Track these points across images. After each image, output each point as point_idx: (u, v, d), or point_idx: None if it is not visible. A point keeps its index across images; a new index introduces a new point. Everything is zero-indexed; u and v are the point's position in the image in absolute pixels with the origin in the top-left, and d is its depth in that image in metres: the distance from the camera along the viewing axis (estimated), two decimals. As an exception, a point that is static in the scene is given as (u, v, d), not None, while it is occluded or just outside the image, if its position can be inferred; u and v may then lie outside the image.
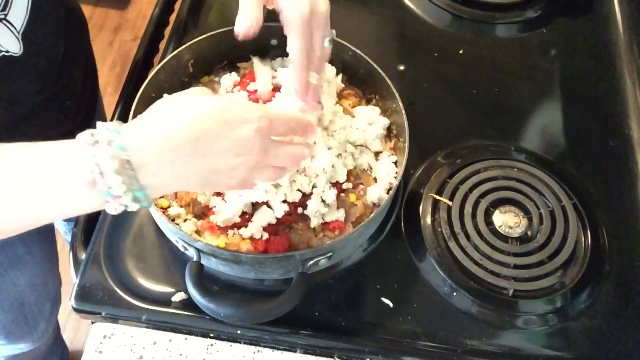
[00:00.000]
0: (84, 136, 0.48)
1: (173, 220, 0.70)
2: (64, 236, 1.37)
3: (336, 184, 0.72)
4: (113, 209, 0.49)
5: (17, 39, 0.69)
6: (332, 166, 0.71)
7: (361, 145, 0.76)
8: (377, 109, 0.79)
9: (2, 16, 0.67)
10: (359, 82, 0.81)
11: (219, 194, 0.70)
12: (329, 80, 0.78)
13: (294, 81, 0.66)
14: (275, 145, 0.55)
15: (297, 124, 0.57)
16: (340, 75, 0.81)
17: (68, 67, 0.83)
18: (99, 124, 0.49)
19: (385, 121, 0.77)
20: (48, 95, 0.77)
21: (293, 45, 0.64)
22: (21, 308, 1.00)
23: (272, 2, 0.66)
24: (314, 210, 0.68)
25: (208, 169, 0.51)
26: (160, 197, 0.72)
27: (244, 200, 0.68)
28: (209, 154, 0.50)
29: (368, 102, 0.81)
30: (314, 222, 0.69)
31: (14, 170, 0.49)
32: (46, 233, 1.00)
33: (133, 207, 0.49)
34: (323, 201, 0.69)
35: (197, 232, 0.70)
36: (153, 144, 0.48)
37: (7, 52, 0.68)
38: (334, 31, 0.68)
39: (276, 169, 0.57)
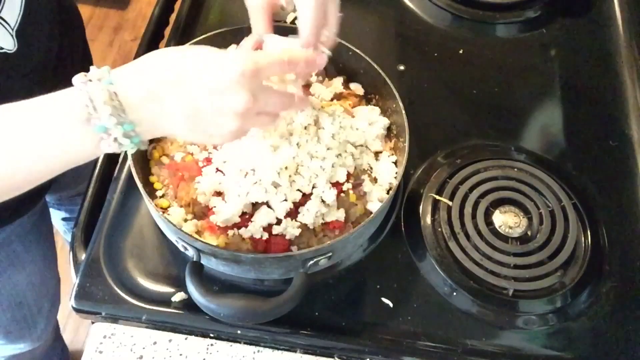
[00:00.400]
0: (78, 77, 0.51)
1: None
2: (63, 236, 1.37)
3: (336, 184, 0.72)
4: (107, 146, 0.51)
5: (12, 35, 0.69)
6: (332, 166, 0.71)
7: (361, 145, 0.76)
8: (377, 109, 0.79)
9: None
10: (359, 82, 0.81)
11: (219, 194, 0.70)
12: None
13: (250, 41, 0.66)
14: (265, 91, 0.55)
15: (292, 58, 0.56)
16: (340, 79, 0.82)
17: (64, 64, 0.83)
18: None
19: (385, 121, 0.77)
20: (43, 92, 0.78)
21: (305, 21, 0.63)
22: (20, 307, 1.00)
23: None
24: (314, 211, 0.68)
25: (193, 107, 0.52)
26: (161, 197, 0.72)
27: (243, 201, 0.68)
28: (193, 90, 0.51)
29: (368, 102, 0.81)
30: (313, 222, 0.69)
31: (14, 119, 0.52)
32: (45, 232, 1.00)
33: (126, 144, 0.51)
34: (323, 201, 0.69)
35: (197, 232, 0.70)
36: (138, 78, 0.52)
37: (1, 49, 0.68)
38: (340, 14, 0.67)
39: (269, 115, 0.57)
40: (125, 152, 0.60)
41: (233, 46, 0.78)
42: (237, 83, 0.51)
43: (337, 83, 0.81)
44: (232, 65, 0.52)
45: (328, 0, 0.64)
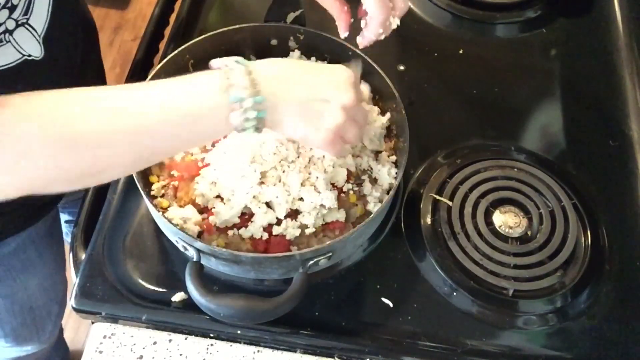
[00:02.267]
0: (216, 60, 0.60)
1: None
2: (65, 238, 1.37)
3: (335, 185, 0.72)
4: (236, 118, 0.55)
5: (39, 42, 0.70)
6: (332, 166, 0.71)
7: (361, 146, 0.76)
8: (376, 108, 0.79)
9: (24, 20, 0.67)
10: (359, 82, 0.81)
11: (217, 196, 0.70)
12: None
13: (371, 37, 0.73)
14: (360, 110, 0.64)
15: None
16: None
17: (85, 70, 0.83)
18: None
19: (385, 120, 0.77)
20: None
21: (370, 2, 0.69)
22: (30, 311, 1.00)
23: None
24: (310, 205, 0.68)
25: (311, 93, 0.59)
26: (161, 197, 0.72)
27: (241, 204, 0.68)
28: (312, 84, 0.59)
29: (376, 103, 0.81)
30: (312, 222, 0.69)
31: (155, 86, 0.57)
32: (56, 236, 1.00)
33: (253, 117, 0.55)
34: (322, 205, 0.69)
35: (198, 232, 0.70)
36: (270, 64, 0.59)
37: (30, 56, 0.69)
38: None
39: (358, 129, 0.63)
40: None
41: None
42: (347, 83, 0.60)
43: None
44: (341, 70, 0.62)
45: None
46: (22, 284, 0.94)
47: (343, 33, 0.75)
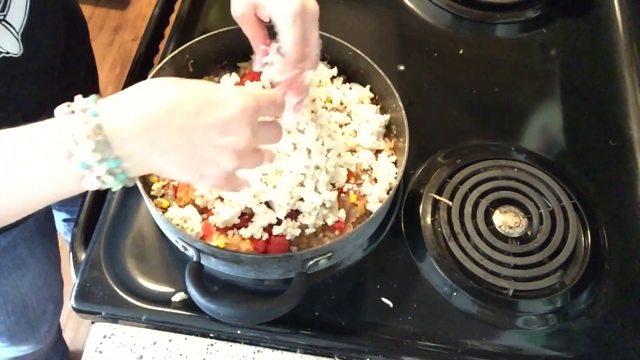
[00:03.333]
0: (60, 108, 0.48)
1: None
2: (64, 237, 1.37)
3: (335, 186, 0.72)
4: (89, 184, 0.48)
5: (17, 39, 0.69)
6: (333, 167, 0.71)
7: (360, 146, 0.76)
8: (374, 107, 0.79)
9: (1, 17, 0.67)
10: (359, 82, 0.81)
11: (220, 198, 0.70)
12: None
13: (282, 75, 0.65)
14: (262, 126, 0.53)
15: (277, 107, 0.55)
16: (340, 79, 0.82)
17: (68, 68, 0.83)
18: (76, 97, 0.48)
19: (383, 118, 0.77)
20: (49, 96, 0.77)
21: (287, 37, 0.62)
22: (24, 310, 1.00)
23: (262, 13, 0.65)
24: (310, 206, 0.68)
25: (188, 144, 0.49)
26: (161, 197, 0.72)
27: (243, 204, 0.68)
28: (189, 129, 0.48)
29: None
30: (312, 222, 0.69)
31: None
32: (49, 235, 1.00)
33: (109, 182, 0.48)
34: (323, 204, 0.69)
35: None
36: (127, 109, 0.47)
37: (7, 53, 0.68)
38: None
39: (259, 154, 0.55)
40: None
41: (226, 76, 0.78)
42: (238, 120, 0.49)
43: (337, 83, 0.82)
44: (233, 101, 0.49)
45: (307, 22, 0.62)
46: (14, 282, 0.93)
47: (258, 68, 0.69)
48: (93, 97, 0.48)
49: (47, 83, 0.77)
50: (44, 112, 0.60)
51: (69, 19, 0.84)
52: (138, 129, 0.47)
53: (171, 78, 0.51)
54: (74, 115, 0.47)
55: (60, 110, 0.48)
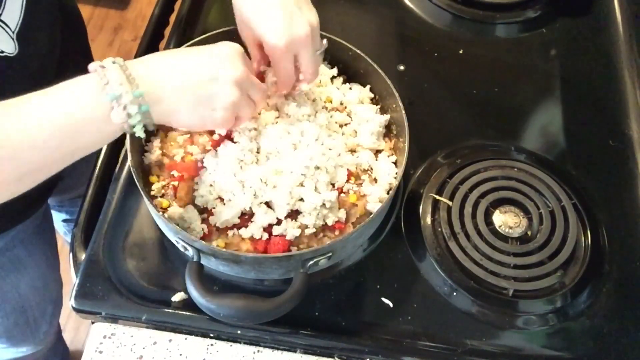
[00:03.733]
0: (93, 64, 0.56)
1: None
2: (64, 237, 1.37)
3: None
4: (117, 115, 0.54)
5: (12, 39, 0.69)
6: (334, 167, 0.71)
7: (358, 147, 0.76)
8: (374, 107, 0.79)
9: None
10: (359, 82, 0.81)
11: (220, 198, 0.70)
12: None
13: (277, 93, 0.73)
14: (254, 86, 0.63)
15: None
16: (340, 79, 0.82)
17: (65, 68, 0.82)
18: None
19: (383, 118, 0.77)
20: None
21: (276, 72, 0.69)
22: (23, 311, 1.00)
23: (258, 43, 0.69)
24: (310, 206, 0.68)
25: (195, 77, 0.58)
26: (161, 197, 0.72)
27: (240, 205, 0.68)
28: (195, 62, 0.59)
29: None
30: (312, 222, 0.69)
31: (34, 97, 0.55)
32: (47, 235, 1.00)
33: (134, 112, 0.55)
34: (323, 204, 0.69)
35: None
36: (146, 59, 0.59)
37: (2, 52, 0.68)
38: (325, 42, 0.71)
39: (253, 106, 0.64)
40: (126, 150, 0.64)
41: None
42: (232, 57, 0.60)
43: (337, 83, 0.82)
44: (227, 46, 0.60)
45: (299, 49, 0.66)
46: (12, 283, 0.93)
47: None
48: (118, 57, 0.57)
49: (43, 83, 0.76)
50: None
51: (66, 18, 0.84)
52: (155, 69, 0.58)
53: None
54: (105, 62, 0.56)
55: (93, 64, 0.56)
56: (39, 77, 0.76)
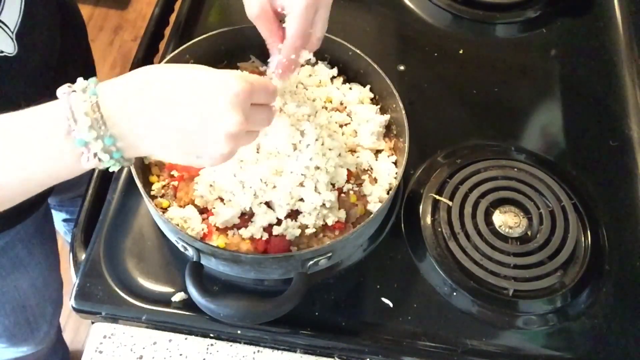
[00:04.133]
0: (62, 88, 0.50)
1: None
2: (64, 237, 1.37)
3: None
4: (86, 161, 0.49)
5: (12, 39, 0.69)
6: (334, 167, 0.71)
7: (358, 146, 0.76)
8: (374, 107, 0.79)
9: None
10: (359, 82, 0.81)
11: (220, 198, 0.70)
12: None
13: (280, 57, 0.65)
14: (255, 110, 0.53)
15: (269, 93, 0.56)
16: (340, 79, 0.82)
17: (65, 67, 0.82)
18: (78, 79, 0.50)
19: (383, 119, 0.77)
20: (45, 96, 0.78)
21: (291, 26, 0.63)
22: (23, 311, 0.99)
23: (276, 3, 0.65)
24: (310, 206, 0.68)
25: (182, 128, 0.50)
26: (161, 197, 0.72)
27: (240, 205, 0.68)
28: (183, 110, 0.49)
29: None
30: (312, 222, 0.69)
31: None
32: (48, 235, 1.00)
33: (106, 160, 0.49)
34: (323, 204, 0.69)
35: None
36: (124, 91, 0.50)
37: (2, 52, 0.68)
38: None
39: (253, 134, 0.57)
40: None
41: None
42: (231, 104, 0.50)
43: (337, 83, 0.82)
44: (226, 85, 0.50)
45: (320, 5, 0.62)
46: (12, 283, 0.93)
47: (273, 69, 0.68)
48: (94, 78, 0.50)
49: (42, 82, 0.76)
50: None
51: (66, 18, 0.84)
52: (133, 109, 0.49)
53: (172, 64, 0.53)
54: (74, 94, 0.49)
55: (62, 90, 0.50)
56: (39, 76, 0.76)
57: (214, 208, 0.70)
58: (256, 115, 0.54)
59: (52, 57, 0.79)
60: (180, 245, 0.69)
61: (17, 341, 1.05)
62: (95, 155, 0.49)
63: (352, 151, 0.76)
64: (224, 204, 0.70)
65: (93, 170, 0.81)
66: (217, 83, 0.50)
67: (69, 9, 0.89)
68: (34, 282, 0.98)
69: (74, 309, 0.72)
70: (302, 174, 0.69)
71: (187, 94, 0.50)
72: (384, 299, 0.73)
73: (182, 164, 0.55)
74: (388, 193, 0.72)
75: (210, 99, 0.50)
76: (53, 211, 1.19)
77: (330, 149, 0.72)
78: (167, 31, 0.97)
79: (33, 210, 0.89)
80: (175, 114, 0.49)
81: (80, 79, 0.50)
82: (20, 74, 0.72)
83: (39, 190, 0.54)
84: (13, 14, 0.69)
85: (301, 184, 0.69)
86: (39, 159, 0.50)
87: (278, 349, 0.72)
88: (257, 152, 0.71)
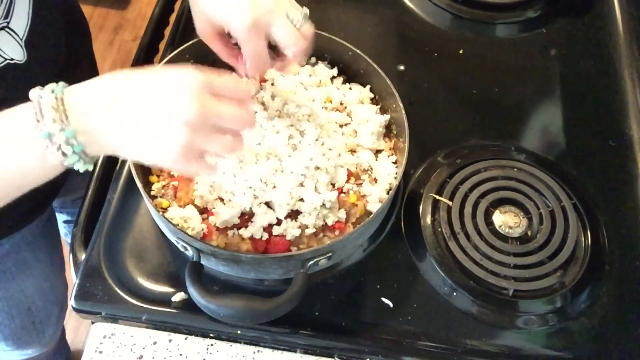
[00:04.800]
0: (34, 89, 0.53)
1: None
2: (64, 238, 1.37)
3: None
4: (51, 155, 0.51)
5: (21, 46, 0.69)
6: (334, 167, 0.71)
7: (358, 146, 0.76)
8: (374, 107, 0.79)
9: (5, 24, 0.67)
10: (359, 82, 0.81)
11: (220, 199, 0.70)
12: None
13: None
14: (216, 102, 0.52)
15: (235, 89, 0.56)
16: (340, 79, 0.82)
17: (71, 71, 0.83)
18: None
19: (383, 119, 0.77)
20: None
21: (245, 53, 0.66)
22: (29, 314, 1.00)
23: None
24: (310, 206, 0.68)
25: (138, 118, 0.51)
26: (161, 197, 0.72)
27: (241, 205, 0.68)
28: (139, 100, 0.51)
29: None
30: (312, 222, 0.69)
31: None
32: (52, 237, 1.00)
33: (69, 153, 0.51)
34: (323, 205, 0.69)
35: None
36: (87, 89, 0.53)
37: (12, 60, 0.68)
38: (305, 9, 0.67)
39: (226, 135, 0.54)
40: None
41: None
42: (187, 94, 0.51)
43: (337, 83, 0.82)
44: (182, 77, 0.51)
45: (271, 17, 0.63)
46: (18, 286, 0.93)
47: (244, 75, 0.70)
48: (62, 82, 0.53)
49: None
50: None
51: (71, 22, 0.84)
52: (92, 104, 0.52)
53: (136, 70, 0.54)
54: (43, 92, 0.52)
55: (34, 90, 0.53)
56: (46, 82, 0.76)
57: (214, 208, 0.70)
58: (222, 108, 0.53)
59: (59, 62, 0.79)
60: (180, 245, 0.69)
61: (23, 344, 1.06)
62: (59, 148, 0.50)
63: (352, 151, 0.76)
64: (224, 204, 0.70)
65: (93, 170, 0.81)
66: (173, 76, 0.52)
67: (74, 11, 0.89)
68: (39, 285, 0.98)
69: (74, 309, 0.72)
70: (302, 174, 0.69)
71: (144, 88, 0.52)
72: (384, 299, 0.73)
73: (145, 161, 0.55)
74: (388, 193, 0.72)
75: (167, 90, 0.51)
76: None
77: (330, 149, 0.72)
78: (167, 31, 0.97)
79: (38, 213, 0.89)
80: (133, 107, 0.51)
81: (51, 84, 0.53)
82: (30, 80, 0.72)
83: (18, 193, 0.55)
84: (22, 21, 0.69)
85: (301, 184, 0.69)
86: (11, 153, 0.52)
87: (278, 349, 0.72)
88: (257, 152, 0.71)
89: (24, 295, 0.96)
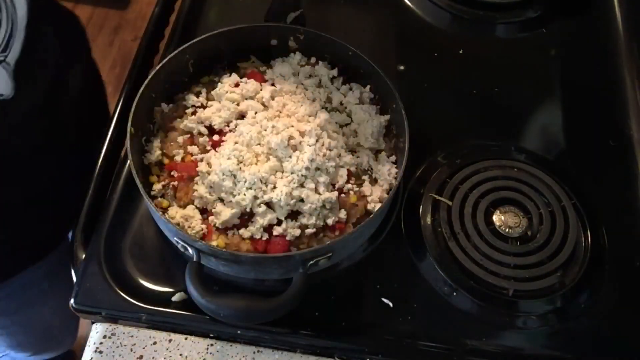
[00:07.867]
0: None
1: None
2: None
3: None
4: None
5: (12, 78, 0.68)
6: (334, 167, 0.71)
7: (358, 146, 0.76)
8: (374, 107, 0.79)
9: (2, 58, 0.65)
10: (359, 82, 0.81)
11: (220, 199, 0.70)
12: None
13: None
14: None
15: None
16: (340, 79, 0.82)
17: (65, 77, 0.81)
18: None
19: (383, 119, 0.77)
20: (44, 123, 0.77)
21: None
22: (49, 331, 1.03)
23: None
24: (310, 206, 0.68)
25: None
26: (160, 197, 0.72)
27: (241, 205, 0.68)
28: None
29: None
30: (312, 222, 0.69)
31: None
32: (69, 265, 1.01)
33: None
34: (323, 205, 0.69)
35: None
36: None
37: (1, 95, 0.67)
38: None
39: None
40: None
41: (226, 76, 0.79)
42: None
43: (337, 83, 0.82)
44: None
45: None
46: (38, 312, 0.96)
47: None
48: None
49: (41, 110, 0.75)
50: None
51: (65, 33, 0.82)
52: None
53: None
54: None
55: None
56: (37, 108, 0.74)
57: (214, 208, 0.70)
58: None
59: (54, 85, 0.78)
60: (180, 245, 0.69)
61: (42, 352, 1.09)
62: None
63: (352, 151, 0.76)
64: (224, 204, 0.70)
65: (93, 170, 0.81)
66: None
67: (67, 22, 0.88)
68: (58, 306, 0.99)
69: (74, 309, 0.72)
70: (302, 174, 0.69)
71: None
72: (384, 299, 0.73)
73: None
74: (388, 193, 0.72)
75: None
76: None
77: (330, 149, 0.72)
78: (167, 31, 0.97)
79: (55, 246, 0.89)
80: None
81: None
82: (18, 110, 0.70)
83: None
84: (14, 52, 0.68)
85: (301, 184, 0.69)
86: None
87: (278, 349, 0.72)
88: (257, 153, 0.71)
89: (43, 318, 0.98)
